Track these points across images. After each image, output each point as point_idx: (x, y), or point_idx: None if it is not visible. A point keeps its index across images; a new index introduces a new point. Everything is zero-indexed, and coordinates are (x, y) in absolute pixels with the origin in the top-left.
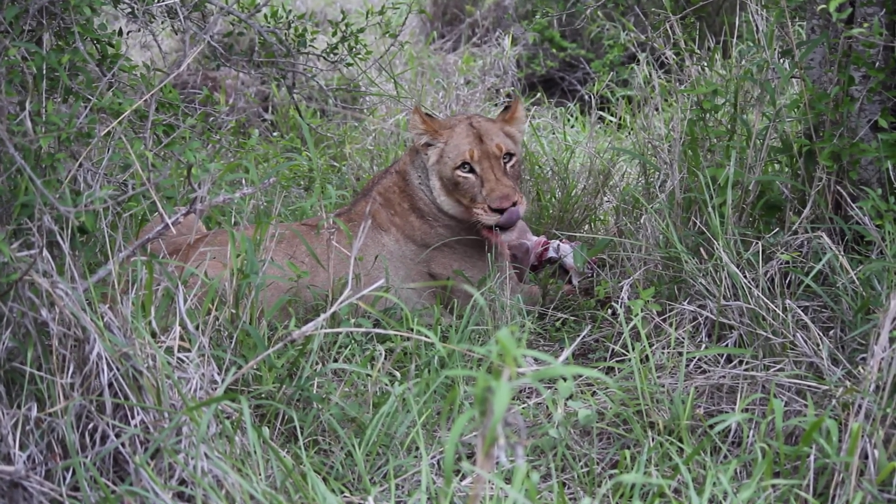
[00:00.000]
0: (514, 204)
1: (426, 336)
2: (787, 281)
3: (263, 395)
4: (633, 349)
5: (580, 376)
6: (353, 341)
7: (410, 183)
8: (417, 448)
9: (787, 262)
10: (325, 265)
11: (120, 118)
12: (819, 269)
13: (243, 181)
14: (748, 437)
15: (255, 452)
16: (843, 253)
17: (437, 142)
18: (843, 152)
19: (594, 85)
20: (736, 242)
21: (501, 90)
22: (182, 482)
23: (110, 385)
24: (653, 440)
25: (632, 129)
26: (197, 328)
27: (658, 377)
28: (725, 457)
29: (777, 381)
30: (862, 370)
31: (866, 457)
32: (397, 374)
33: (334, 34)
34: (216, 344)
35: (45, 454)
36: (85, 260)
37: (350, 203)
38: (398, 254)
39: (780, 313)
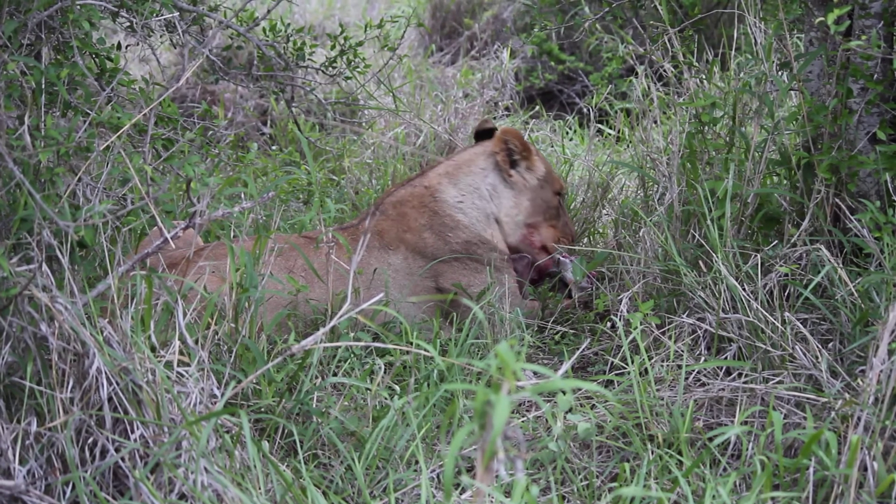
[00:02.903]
0: None
1: (425, 350)
2: (786, 293)
3: (263, 410)
4: (633, 362)
5: (579, 389)
6: (352, 355)
7: (442, 200)
8: (417, 462)
9: (786, 275)
10: (323, 279)
11: (119, 132)
12: (818, 281)
13: (242, 195)
14: (747, 449)
15: (255, 466)
16: (841, 265)
17: (535, 166)
18: (841, 164)
19: (593, 98)
20: (735, 255)
21: (500, 103)
22: (182, 496)
23: (110, 399)
24: (652, 453)
25: (630, 141)
26: (196, 342)
27: (657, 390)
28: (725, 469)
29: (776, 394)
30: (861, 382)
31: (865, 469)
32: (397, 387)
33: (333, 48)
34: (215, 358)
35: (44, 469)
36: (84, 274)
37: (358, 218)
38: (405, 270)
39: (779, 326)
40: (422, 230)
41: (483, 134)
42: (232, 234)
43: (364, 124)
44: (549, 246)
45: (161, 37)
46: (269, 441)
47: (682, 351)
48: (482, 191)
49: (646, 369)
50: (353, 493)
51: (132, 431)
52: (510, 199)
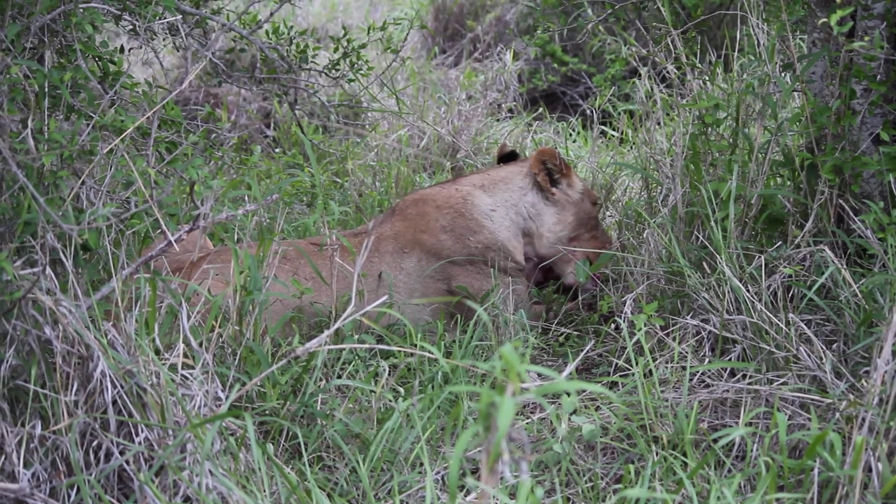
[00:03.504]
0: None
1: (430, 352)
2: (789, 295)
3: (267, 412)
4: (637, 364)
5: (584, 391)
6: (356, 357)
7: (473, 204)
8: (422, 464)
9: (790, 276)
10: (334, 284)
11: (122, 135)
12: (822, 282)
13: (246, 198)
14: (752, 450)
15: (260, 469)
16: (845, 266)
17: (574, 181)
18: (845, 165)
19: (596, 99)
20: (738, 256)
21: (503, 105)
22: (187, 499)
23: (114, 402)
24: (657, 454)
25: (634, 143)
26: (200, 345)
27: (661, 391)
28: (729, 471)
29: (780, 395)
30: (865, 383)
31: (870, 470)
32: (401, 389)
33: (336, 50)
34: (220, 361)
35: (49, 472)
36: (88, 277)
37: (375, 223)
38: (418, 273)
39: (783, 327)
40: (440, 231)
41: (505, 158)
42: (236, 237)
43: (367, 127)
44: (591, 257)
45: (164, 40)
46: (273, 443)
47: (687, 352)
48: (520, 208)
49: (650, 371)
50: (358, 495)
51: (137, 434)
52: (553, 216)
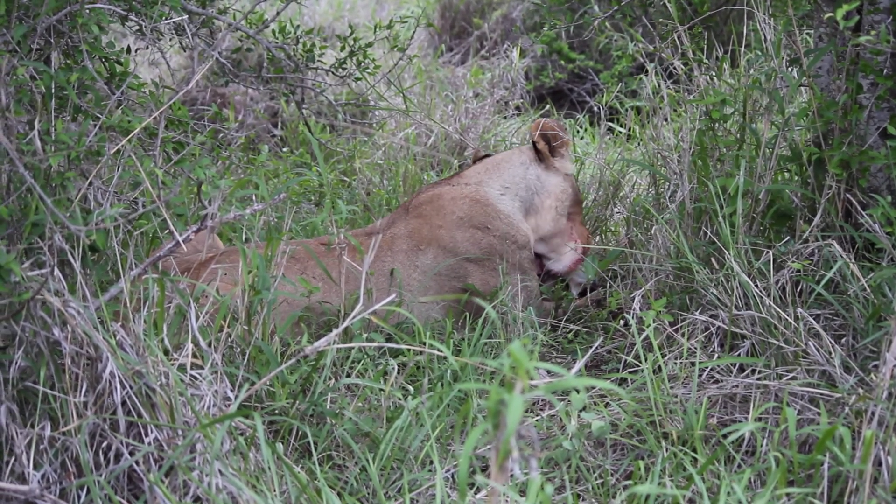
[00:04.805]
0: None
1: (439, 350)
2: (798, 289)
3: (277, 411)
4: (646, 360)
5: (593, 388)
6: (365, 356)
7: (488, 194)
8: (431, 462)
9: (799, 271)
10: (342, 283)
11: (129, 136)
12: (830, 277)
13: (253, 197)
14: (762, 446)
15: (270, 468)
16: (853, 261)
17: (569, 154)
18: (852, 160)
19: (603, 96)
20: (747, 252)
21: (510, 102)
22: (197, 499)
23: (123, 403)
24: (666, 450)
25: (641, 139)
26: (209, 345)
27: (671, 387)
28: (739, 466)
29: (790, 390)
30: (874, 377)
31: (880, 464)
32: (410, 388)
33: (342, 49)
34: (229, 360)
35: (59, 473)
36: (96, 278)
37: (387, 222)
38: (433, 270)
39: (792, 322)
40: (457, 224)
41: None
42: (244, 236)
43: (375, 125)
44: (584, 246)
45: (170, 40)
46: (283, 443)
47: (696, 348)
48: (529, 181)
49: (659, 367)
50: (368, 493)
51: (146, 435)
52: (559, 185)
